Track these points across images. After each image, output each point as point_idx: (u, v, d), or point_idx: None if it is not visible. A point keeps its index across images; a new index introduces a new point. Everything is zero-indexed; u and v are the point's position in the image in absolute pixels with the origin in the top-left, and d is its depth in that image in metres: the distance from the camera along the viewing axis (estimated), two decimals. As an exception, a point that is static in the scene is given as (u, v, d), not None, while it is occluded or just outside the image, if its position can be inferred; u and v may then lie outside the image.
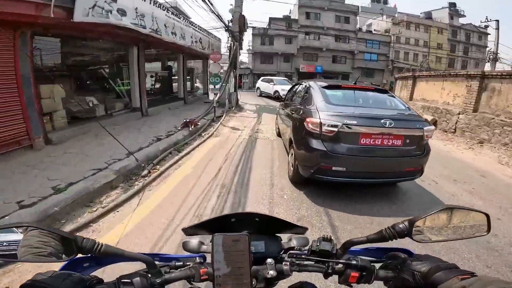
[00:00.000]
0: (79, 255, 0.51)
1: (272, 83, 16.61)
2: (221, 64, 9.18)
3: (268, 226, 0.70)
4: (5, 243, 0.50)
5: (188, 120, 6.83)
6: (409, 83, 11.02)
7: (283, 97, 7.30)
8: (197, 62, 16.62)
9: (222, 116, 8.83)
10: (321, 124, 2.97)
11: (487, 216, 0.62)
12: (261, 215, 0.67)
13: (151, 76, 12.56)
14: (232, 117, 9.34)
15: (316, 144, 3.03)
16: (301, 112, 3.56)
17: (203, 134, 6.73)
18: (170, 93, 12.06)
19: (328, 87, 3.65)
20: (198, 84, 18.77)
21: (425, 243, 0.61)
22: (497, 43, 18.50)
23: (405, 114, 3.37)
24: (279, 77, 20.92)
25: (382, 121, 2.94)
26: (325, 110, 3.12)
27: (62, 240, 0.49)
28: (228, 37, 11.32)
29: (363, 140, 2.97)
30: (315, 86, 3.70)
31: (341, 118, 2.95)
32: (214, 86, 8.67)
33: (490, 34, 38.10)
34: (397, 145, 3.03)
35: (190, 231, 0.69)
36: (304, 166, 3.25)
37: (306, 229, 0.73)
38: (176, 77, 12.23)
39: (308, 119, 3.15)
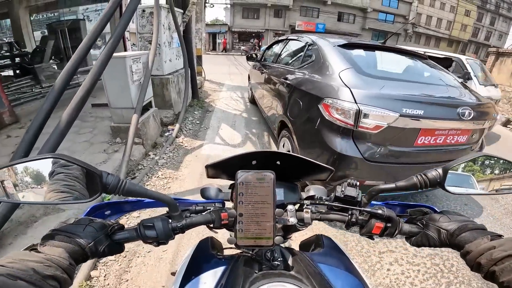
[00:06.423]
0: (102, 200, 0.61)
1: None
2: None
3: (289, 172, 0.65)
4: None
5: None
6: None
7: (256, 55, 4.71)
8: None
9: None
10: (358, 114, 1.68)
11: None
12: (285, 155, 0.61)
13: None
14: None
15: (344, 146, 1.78)
16: (308, 84, 2.17)
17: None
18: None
19: (348, 46, 2.26)
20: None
21: (458, 195, 0.51)
22: None
23: (473, 96, 2.10)
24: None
25: (459, 110, 1.80)
26: (361, 86, 1.80)
27: (87, 178, 0.44)
28: None
29: (421, 140, 1.83)
30: (326, 44, 2.32)
31: (396, 103, 1.70)
32: None
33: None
34: (461, 142, 2.00)
35: (211, 171, 0.64)
36: None
37: (332, 170, 0.65)
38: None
39: (327, 101, 1.83)
